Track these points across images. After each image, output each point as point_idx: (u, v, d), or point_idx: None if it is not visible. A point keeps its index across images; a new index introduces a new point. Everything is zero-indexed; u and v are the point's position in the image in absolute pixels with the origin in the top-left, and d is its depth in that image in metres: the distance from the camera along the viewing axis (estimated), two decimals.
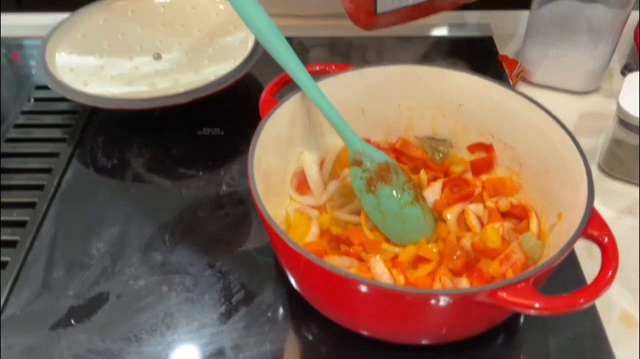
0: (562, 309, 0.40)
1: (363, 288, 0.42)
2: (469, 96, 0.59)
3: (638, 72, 0.68)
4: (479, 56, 0.84)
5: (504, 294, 0.40)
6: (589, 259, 0.58)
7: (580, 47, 0.76)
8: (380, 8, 0.62)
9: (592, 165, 0.68)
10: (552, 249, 0.50)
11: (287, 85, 0.58)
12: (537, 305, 0.40)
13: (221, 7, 0.81)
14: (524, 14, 0.80)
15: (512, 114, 0.57)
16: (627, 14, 0.73)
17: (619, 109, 0.63)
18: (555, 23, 0.76)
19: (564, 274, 0.52)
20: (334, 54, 0.85)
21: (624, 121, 0.63)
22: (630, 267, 0.58)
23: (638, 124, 0.62)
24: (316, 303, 0.51)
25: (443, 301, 0.41)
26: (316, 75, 0.57)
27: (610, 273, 0.43)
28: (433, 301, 0.41)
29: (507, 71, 0.80)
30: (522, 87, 0.81)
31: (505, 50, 0.86)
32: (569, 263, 0.57)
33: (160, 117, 0.73)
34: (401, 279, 0.49)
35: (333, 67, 0.60)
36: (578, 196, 0.48)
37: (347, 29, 0.89)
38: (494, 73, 0.80)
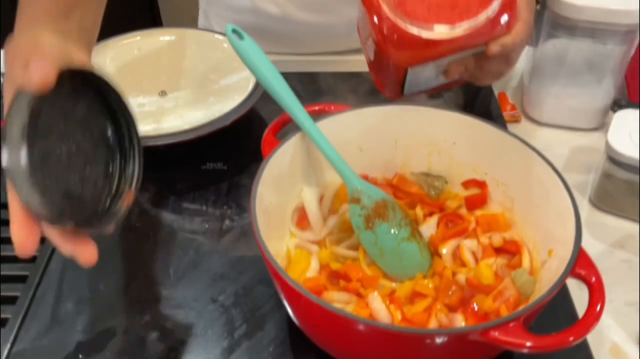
0: (553, 347, 0.42)
1: (361, 327, 0.43)
2: (462, 134, 0.62)
3: (627, 109, 0.70)
4: (476, 93, 0.86)
5: (496, 334, 0.42)
6: (580, 292, 0.59)
7: (584, 85, 0.78)
8: (407, 91, 0.66)
9: (583, 199, 0.71)
10: (543, 285, 0.52)
11: (289, 124, 0.60)
12: (528, 344, 0.42)
13: (225, 45, 0.84)
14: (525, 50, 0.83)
15: (504, 153, 0.59)
16: (631, 52, 0.75)
17: (608, 146, 0.66)
18: (558, 60, 0.78)
19: (555, 306, 0.54)
20: (336, 89, 0.87)
21: (612, 157, 0.66)
22: (621, 300, 0.60)
23: (626, 161, 0.64)
24: (316, 338, 0.52)
25: (438, 340, 0.43)
26: (316, 115, 0.60)
27: (597, 309, 0.45)
28: (428, 341, 0.43)
29: (501, 109, 0.83)
30: (525, 124, 0.83)
31: (505, 85, 0.89)
32: (560, 296, 0.59)
33: (164, 152, 0.76)
34: (398, 315, 0.50)
35: (332, 107, 0.63)
36: (567, 234, 0.50)
37: (346, 64, 0.93)
38: (490, 109, 0.83)
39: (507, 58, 0.63)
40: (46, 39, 0.44)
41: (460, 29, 0.57)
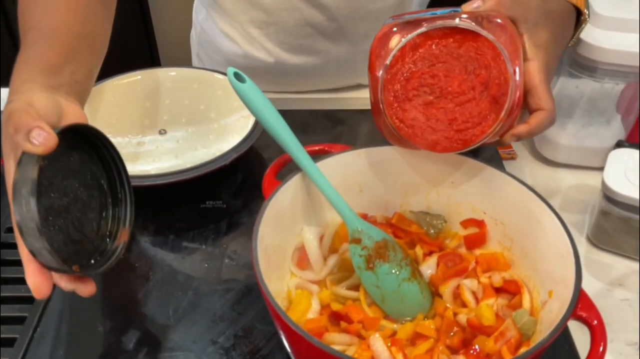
0: None
1: None
2: (460, 174, 0.62)
3: (622, 148, 0.71)
4: None
5: None
6: (580, 331, 0.59)
7: (593, 124, 0.79)
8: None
9: (581, 237, 0.71)
10: (544, 325, 0.52)
11: (289, 164, 0.61)
12: None
13: (225, 84, 0.85)
14: None
15: (501, 192, 0.60)
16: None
17: (604, 185, 0.66)
18: (566, 100, 0.79)
19: (556, 346, 0.54)
20: (331, 126, 0.89)
21: (608, 196, 0.66)
22: (620, 340, 0.60)
23: (623, 200, 0.65)
24: None
25: None
26: (315, 155, 0.60)
27: (600, 351, 0.45)
28: None
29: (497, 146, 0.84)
30: (521, 162, 0.84)
31: None
32: (561, 336, 0.59)
33: (164, 190, 0.76)
34: (400, 357, 0.50)
35: (332, 147, 0.63)
36: (567, 274, 0.51)
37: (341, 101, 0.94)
38: (486, 147, 0.83)
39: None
40: (38, 101, 0.49)
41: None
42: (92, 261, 0.50)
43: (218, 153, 0.73)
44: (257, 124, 0.77)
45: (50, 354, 0.57)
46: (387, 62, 0.54)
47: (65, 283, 0.48)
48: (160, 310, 0.62)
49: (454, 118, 0.55)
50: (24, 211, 0.43)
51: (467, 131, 0.55)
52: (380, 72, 0.55)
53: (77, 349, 0.58)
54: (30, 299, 0.62)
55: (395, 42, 0.55)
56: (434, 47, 0.54)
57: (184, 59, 1.09)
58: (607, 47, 0.72)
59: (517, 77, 0.54)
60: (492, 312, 0.53)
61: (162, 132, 0.80)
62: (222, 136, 0.81)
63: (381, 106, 0.55)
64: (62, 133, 0.45)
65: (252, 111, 0.57)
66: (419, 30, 0.53)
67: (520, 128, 0.56)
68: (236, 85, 0.56)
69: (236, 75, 0.56)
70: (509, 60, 0.53)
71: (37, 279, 0.46)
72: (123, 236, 0.53)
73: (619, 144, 0.74)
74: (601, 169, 0.77)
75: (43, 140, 0.44)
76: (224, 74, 0.85)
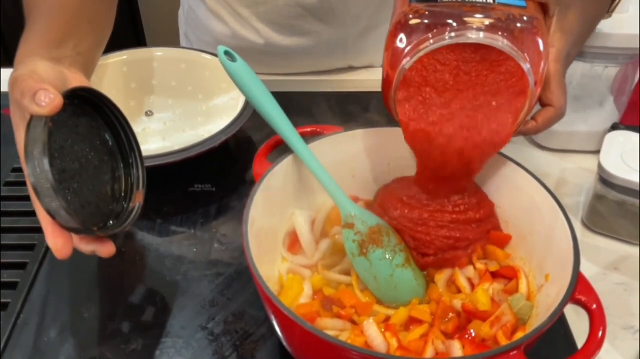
0: None
1: (358, 356, 0.42)
2: None
3: (618, 131, 0.70)
4: None
5: None
6: (576, 315, 0.59)
7: (584, 109, 0.78)
8: None
9: (576, 221, 0.71)
10: (541, 310, 0.51)
11: (280, 146, 0.59)
12: None
13: (213, 65, 0.83)
14: None
15: (497, 175, 0.59)
16: (636, 75, 0.75)
17: (600, 167, 0.65)
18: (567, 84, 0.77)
19: (552, 331, 0.53)
20: (323, 109, 0.87)
21: (604, 179, 0.65)
22: (616, 324, 0.59)
23: (618, 183, 0.64)
24: None
25: None
26: (307, 136, 0.59)
27: (599, 336, 0.44)
28: None
29: None
30: (515, 145, 0.83)
31: None
32: (557, 321, 0.58)
33: (151, 173, 0.74)
34: (394, 342, 0.49)
35: (324, 128, 0.62)
36: (563, 258, 0.50)
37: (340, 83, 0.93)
38: None
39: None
40: (41, 67, 0.50)
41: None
42: (109, 223, 0.51)
43: (206, 135, 0.71)
44: (246, 106, 0.75)
45: (34, 341, 0.55)
46: (406, 66, 0.49)
47: (84, 244, 0.48)
48: (148, 295, 0.60)
49: (469, 123, 0.52)
50: (37, 172, 0.44)
51: (483, 138, 0.52)
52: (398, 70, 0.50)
53: (61, 335, 0.56)
54: (12, 285, 0.60)
55: (420, 39, 0.49)
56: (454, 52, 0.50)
57: (171, 39, 1.07)
58: (596, 29, 0.70)
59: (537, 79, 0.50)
60: (487, 296, 0.52)
61: (149, 113, 0.78)
62: (211, 117, 0.79)
63: (392, 104, 0.53)
64: (68, 97, 0.46)
65: (243, 91, 0.55)
66: (446, 42, 0.48)
67: (528, 126, 0.54)
68: (227, 64, 0.54)
69: (227, 53, 0.54)
70: (531, 74, 0.49)
71: (57, 241, 0.47)
72: (137, 198, 0.54)
73: (614, 127, 0.73)
74: (595, 152, 0.76)
75: (49, 100, 0.44)
76: (212, 54, 0.83)
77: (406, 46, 0.49)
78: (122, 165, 0.54)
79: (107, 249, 0.49)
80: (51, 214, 0.45)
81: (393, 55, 0.50)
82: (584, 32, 0.57)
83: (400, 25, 0.49)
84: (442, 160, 0.54)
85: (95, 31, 0.61)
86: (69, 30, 0.56)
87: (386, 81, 0.52)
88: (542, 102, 0.54)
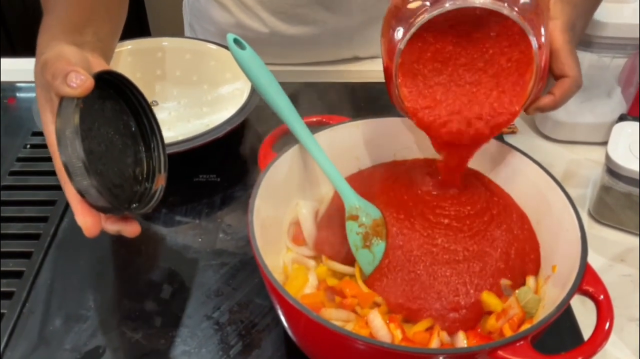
0: None
1: (363, 346, 0.42)
2: None
3: (626, 122, 0.70)
4: None
5: (503, 353, 0.40)
6: (582, 307, 0.59)
7: (591, 99, 0.77)
8: None
9: (582, 212, 0.70)
10: (547, 302, 0.51)
11: (286, 137, 0.59)
12: None
13: (219, 55, 0.82)
14: None
15: (504, 165, 0.58)
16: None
17: (608, 158, 0.65)
18: None
19: (558, 322, 0.53)
20: (329, 99, 0.86)
21: (612, 170, 0.65)
22: (622, 315, 0.59)
23: (626, 174, 0.64)
24: (314, 356, 0.51)
25: None
26: (313, 126, 0.58)
27: (606, 328, 0.43)
28: None
29: None
30: (521, 137, 0.82)
31: None
32: (564, 312, 0.58)
33: None
34: (398, 334, 0.49)
35: (330, 119, 0.61)
36: (571, 249, 0.49)
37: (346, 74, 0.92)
38: None
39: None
40: (67, 51, 0.50)
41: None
42: (133, 205, 0.52)
43: (211, 125, 0.71)
44: (251, 96, 0.75)
45: (39, 330, 0.56)
46: (402, 46, 0.48)
47: (110, 224, 0.49)
48: (153, 285, 0.60)
49: (476, 99, 0.51)
50: (69, 152, 0.45)
51: (492, 112, 0.51)
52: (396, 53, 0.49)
53: (67, 324, 0.56)
54: (18, 274, 0.60)
55: (417, 8, 0.48)
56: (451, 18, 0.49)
57: (175, 30, 1.06)
58: (603, 20, 0.70)
59: (542, 46, 0.49)
60: (493, 297, 0.51)
61: (154, 103, 0.78)
62: (216, 107, 0.78)
63: (396, 91, 0.52)
64: (96, 79, 0.47)
65: (251, 79, 0.55)
66: (441, 10, 0.46)
67: (545, 100, 0.53)
68: (236, 52, 0.54)
69: (236, 42, 0.54)
70: (533, 35, 0.47)
71: (87, 219, 0.48)
72: (160, 181, 0.55)
73: (622, 118, 0.73)
74: (602, 144, 0.76)
75: (80, 82, 0.45)
76: (218, 44, 0.82)
77: (402, 28, 0.49)
78: (144, 149, 0.55)
79: (133, 229, 0.50)
80: (81, 193, 0.46)
81: (390, 43, 0.50)
82: (588, 5, 0.56)
83: (396, 9, 0.49)
84: (452, 138, 0.53)
85: (112, 19, 0.62)
86: (88, 17, 0.57)
87: (386, 71, 0.52)
88: (556, 75, 0.53)
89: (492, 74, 0.51)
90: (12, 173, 0.73)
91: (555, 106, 0.53)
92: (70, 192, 0.48)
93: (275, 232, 0.57)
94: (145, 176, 0.55)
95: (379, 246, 0.54)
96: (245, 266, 0.62)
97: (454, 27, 0.50)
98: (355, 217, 0.55)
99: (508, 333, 0.49)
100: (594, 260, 0.64)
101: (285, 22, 0.87)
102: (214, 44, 0.82)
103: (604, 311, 0.44)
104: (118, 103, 0.53)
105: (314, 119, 0.61)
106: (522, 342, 0.41)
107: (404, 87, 0.52)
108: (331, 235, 0.56)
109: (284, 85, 0.57)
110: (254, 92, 0.75)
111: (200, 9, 0.93)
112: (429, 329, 0.50)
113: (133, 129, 0.54)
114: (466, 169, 0.57)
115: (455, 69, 0.51)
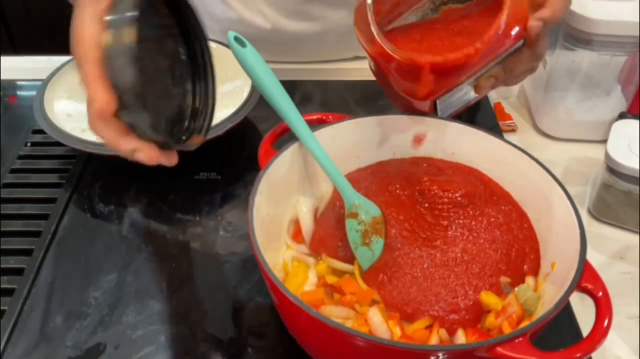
0: None
1: (363, 343, 0.42)
2: (461, 144, 0.61)
3: (625, 120, 0.70)
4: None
5: (502, 350, 0.41)
6: (581, 304, 0.59)
7: (591, 98, 0.77)
8: (443, 115, 0.62)
9: (582, 210, 0.70)
10: (546, 299, 0.51)
11: (286, 135, 0.59)
12: None
13: (219, 52, 0.82)
14: None
15: (503, 163, 0.59)
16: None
17: (607, 156, 0.65)
18: (572, 72, 0.77)
19: (556, 319, 0.53)
20: (330, 98, 0.87)
21: (611, 168, 0.65)
22: (622, 313, 0.59)
23: (626, 172, 0.64)
24: (315, 353, 0.51)
25: (442, 357, 0.41)
26: (313, 124, 0.59)
27: (605, 325, 0.44)
28: (433, 358, 0.41)
29: (497, 119, 0.82)
30: (521, 134, 0.83)
31: (503, 96, 0.88)
32: (563, 309, 0.58)
33: None
34: (398, 331, 0.49)
35: (330, 116, 0.62)
36: (570, 246, 0.50)
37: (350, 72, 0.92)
38: (486, 119, 0.82)
39: (537, 49, 0.56)
40: None
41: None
42: (183, 137, 0.51)
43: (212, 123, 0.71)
44: (251, 95, 0.75)
45: (40, 327, 0.56)
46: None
47: (146, 147, 0.48)
48: (154, 282, 0.60)
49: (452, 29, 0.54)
50: (121, 78, 0.42)
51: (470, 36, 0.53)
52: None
53: (68, 321, 0.56)
54: (19, 271, 0.60)
55: None
56: None
57: None
58: (603, 18, 0.70)
59: None
60: (492, 296, 0.52)
61: None
62: (216, 106, 0.78)
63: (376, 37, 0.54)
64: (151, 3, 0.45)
65: (252, 77, 0.55)
66: None
67: (543, 12, 0.52)
68: (236, 50, 0.54)
69: (237, 39, 0.54)
70: None
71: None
72: (205, 116, 0.53)
73: (622, 116, 0.73)
74: (602, 142, 0.76)
75: None
76: (218, 42, 0.82)
77: None
78: (192, 79, 0.52)
79: (170, 159, 0.50)
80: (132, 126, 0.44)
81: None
82: None
83: None
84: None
85: None
86: None
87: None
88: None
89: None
90: (13, 171, 0.73)
91: (553, 15, 0.53)
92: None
93: (276, 229, 0.58)
94: (192, 109, 0.52)
95: (378, 243, 0.54)
96: (246, 263, 0.62)
97: None
98: (354, 215, 0.55)
99: (507, 330, 0.49)
100: (593, 258, 0.64)
101: (287, 18, 0.87)
102: (214, 42, 0.82)
103: (603, 308, 0.44)
104: (174, 28, 0.49)
105: (314, 117, 0.61)
106: (520, 339, 0.41)
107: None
108: (330, 232, 0.57)
109: (284, 83, 0.57)
110: (254, 90, 0.75)
111: (200, 3, 0.93)
112: (429, 327, 0.50)
113: (184, 58, 0.51)
114: (465, 167, 0.58)
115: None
